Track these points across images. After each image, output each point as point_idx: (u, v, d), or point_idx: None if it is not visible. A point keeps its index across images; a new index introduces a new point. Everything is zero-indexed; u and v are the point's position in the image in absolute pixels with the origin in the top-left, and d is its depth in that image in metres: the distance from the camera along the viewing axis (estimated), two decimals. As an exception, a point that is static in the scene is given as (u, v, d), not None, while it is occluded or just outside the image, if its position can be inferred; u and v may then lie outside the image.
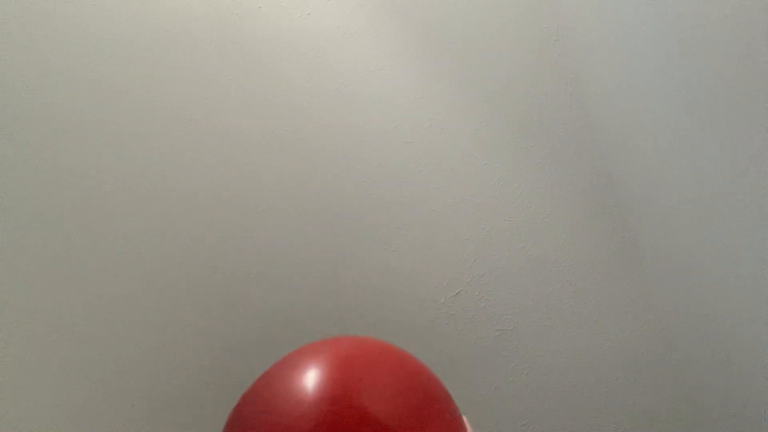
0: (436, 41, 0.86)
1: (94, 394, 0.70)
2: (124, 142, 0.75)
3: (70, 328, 0.70)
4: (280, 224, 0.79)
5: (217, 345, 0.75)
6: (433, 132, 0.85)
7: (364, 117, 0.83)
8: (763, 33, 0.57)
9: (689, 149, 0.73)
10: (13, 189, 0.70)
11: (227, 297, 0.76)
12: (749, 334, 0.72)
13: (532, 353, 0.85)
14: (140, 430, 0.71)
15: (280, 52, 0.81)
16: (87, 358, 0.70)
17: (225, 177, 0.78)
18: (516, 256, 0.86)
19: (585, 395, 0.85)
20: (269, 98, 0.80)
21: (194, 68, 0.78)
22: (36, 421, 0.68)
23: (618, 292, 0.88)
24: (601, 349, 0.87)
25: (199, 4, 0.79)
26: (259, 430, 0.45)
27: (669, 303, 0.87)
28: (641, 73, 0.77)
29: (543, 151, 0.88)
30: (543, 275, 0.86)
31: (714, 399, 0.82)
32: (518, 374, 0.84)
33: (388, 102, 0.84)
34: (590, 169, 0.89)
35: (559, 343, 0.86)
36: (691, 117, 0.70)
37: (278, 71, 0.81)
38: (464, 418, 0.53)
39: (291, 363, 0.50)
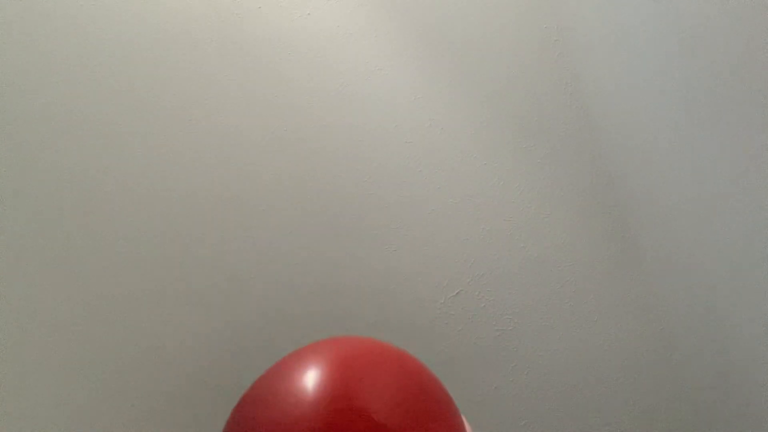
0: (436, 41, 0.86)
1: (94, 394, 0.70)
2: (124, 142, 0.75)
3: (70, 328, 0.70)
4: (280, 224, 0.79)
5: (217, 345, 0.75)
6: (433, 132, 0.85)
7: (364, 117, 0.83)
8: (763, 33, 0.57)
9: (689, 149, 0.73)
10: (12, 189, 0.70)
11: (227, 297, 0.76)
12: (749, 334, 0.72)
13: (532, 353, 0.85)
14: (140, 430, 0.71)
15: (280, 52, 0.81)
16: (87, 358, 0.70)
17: (225, 177, 0.77)
18: (516, 256, 0.86)
19: (585, 395, 0.85)
20: (269, 98, 0.80)
21: (194, 68, 0.78)
22: (36, 421, 0.68)
23: (618, 292, 0.88)
24: (601, 349, 0.87)
25: (199, 4, 0.79)
26: (259, 430, 0.45)
27: (669, 303, 0.87)
28: (641, 73, 0.77)
29: (543, 151, 0.88)
30: (543, 275, 0.86)
31: (714, 399, 0.82)
32: (518, 374, 0.84)
33: (388, 102, 0.84)
34: (590, 169, 0.89)
35: (559, 343, 0.86)
36: (691, 117, 0.70)
37: (278, 71, 0.81)
38: (464, 418, 0.53)
39: (291, 363, 0.50)
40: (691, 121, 0.70)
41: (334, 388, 0.45)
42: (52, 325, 0.70)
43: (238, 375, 0.73)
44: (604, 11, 0.81)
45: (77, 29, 0.74)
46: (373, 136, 0.83)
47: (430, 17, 0.86)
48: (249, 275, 0.77)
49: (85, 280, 0.71)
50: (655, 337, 0.88)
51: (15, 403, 0.67)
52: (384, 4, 0.85)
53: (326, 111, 0.82)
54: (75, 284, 0.71)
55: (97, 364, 0.70)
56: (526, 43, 0.89)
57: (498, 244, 0.85)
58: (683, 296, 0.83)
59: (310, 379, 0.46)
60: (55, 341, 0.70)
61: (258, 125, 0.79)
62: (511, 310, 0.85)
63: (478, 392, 0.82)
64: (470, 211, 0.85)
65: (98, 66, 0.74)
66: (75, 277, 0.71)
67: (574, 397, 0.85)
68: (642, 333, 0.88)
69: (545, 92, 0.89)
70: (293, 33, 0.82)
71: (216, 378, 0.74)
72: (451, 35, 0.87)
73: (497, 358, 0.84)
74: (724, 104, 0.65)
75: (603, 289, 0.88)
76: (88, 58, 0.74)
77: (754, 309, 0.70)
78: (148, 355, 0.72)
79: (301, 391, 0.45)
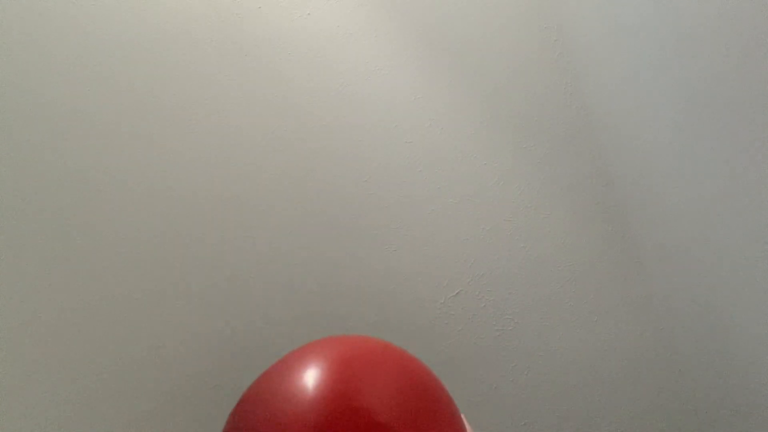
0: (436, 41, 0.86)
1: (94, 394, 0.70)
2: (124, 142, 0.75)
3: (70, 328, 0.70)
4: (280, 224, 0.79)
5: (217, 345, 0.75)
6: (433, 132, 0.85)
7: (364, 117, 0.83)
8: (763, 33, 0.57)
9: (689, 149, 0.73)
10: (12, 189, 0.70)
11: (227, 297, 0.76)
12: (749, 333, 0.72)
13: (532, 353, 0.85)
14: (140, 430, 0.71)
15: (280, 52, 0.81)
16: (87, 358, 0.70)
17: (225, 177, 0.77)
18: (516, 256, 0.86)
19: (585, 395, 0.85)
20: (269, 98, 0.80)
21: (194, 68, 0.78)
22: (36, 421, 0.68)
23: (618, 292, 0.88)
24: (601, 349, 0.87)
25: (199, 4, 0.79)
26: (259, 429, 0.45)
27: (669, 303, 0.87)
28: (641, 72, 0.77)
29: (543, 151, 0.88)
30: (543, 275, 0.86)
31: (714, 399, 0.82)
32: (518, 374, 0.84)
33: (388, 102, 0.84)
34: (590, 169, 0.89)
35: (559, 343, 0.86)
36: (691, 117, 0.70)
37: (278, 71, 0.81)
38: (464, 418, 0.53)
39: (291, 362, 0.50)
40: (691, 121, 0.70)
41: (335, 387, 0.45)
42: (52, 325, 0.70)
43: (238, 375, 0.73)
44: (604, 11, 0.81)
45: (77, 29, 0.74)
46: (373, 136, 0.83)
47: (430, 17, 0.87)
48: (249, 275, 0.77)
49: (85, 280, 0.71)
50: (655, 337, 0.88)
51: (15, 403, 0.67)
52: (384, 4, 0.85)
53: (326, 111, 0.82)
54: (75, 284, 0.71)
55: (97, 364, 0.70)
56: (526, 43, 0.89)
57: (498, 244, 0.85)
58: (683, 296, 0.83)
59: (310, 378, 0.46)
60: (55, 341, 0.70)
61: (258, 125, 0.79)
62: (511, 310, 0.85)
63: (478, 392, 0.82)
64: (470, 211, 0.85)
65: (98, 66, 0.74)
66: (75, 277, 0.71)
67: (574, 397, 0.85)
68: (642, 333, 0.88)
69: (545, 92, 0.89)
70: (293, 33, 0.82)
71: (216, 378, 0.74)
72: (451, 35, 0.87)
73: (497, 358, 0.84)
74: (724, 104, 0.65)
75: (603, 289, 0.88)
76: (88, 58, 0.74)
77: (754, 309, 0.70)
78: (148, 355, 0.72)
79: (301, 390, 0.45)
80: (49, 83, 0.73)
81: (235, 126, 0.79)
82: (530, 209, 0.87)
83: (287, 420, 0.43)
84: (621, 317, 0.88)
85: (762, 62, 0.58)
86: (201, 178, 0.77)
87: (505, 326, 0.85)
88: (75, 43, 0.74)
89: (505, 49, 0.88)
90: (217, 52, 0.79)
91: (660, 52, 0.72)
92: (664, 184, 0.80)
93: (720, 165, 0.68)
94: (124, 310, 0.72)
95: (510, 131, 0.88)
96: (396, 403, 0.45)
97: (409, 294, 0.82)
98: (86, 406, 0.69)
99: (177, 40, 0.77)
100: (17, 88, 0.71)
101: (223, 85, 0.78)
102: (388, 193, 0.83)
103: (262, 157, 0.79)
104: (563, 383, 0.85)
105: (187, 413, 0.72)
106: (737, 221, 0.68)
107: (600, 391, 0.86)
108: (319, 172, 0.81)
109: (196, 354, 0.74)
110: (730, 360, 0.77)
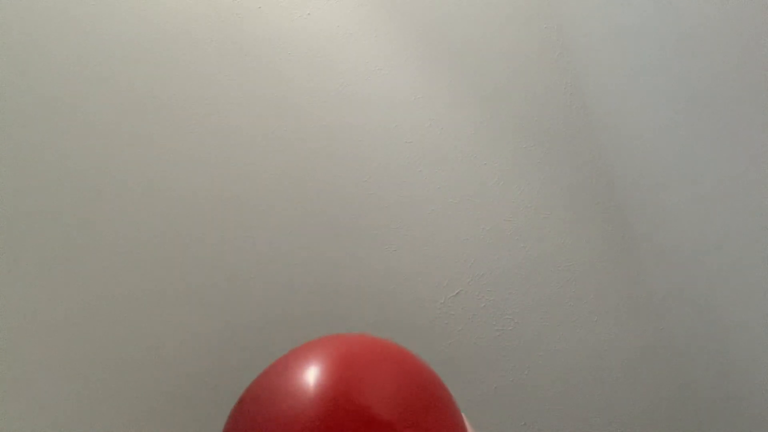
0: (436, 41, 0.86)
1: (94, 394, 0.70)
2: (123, 142, 0.75)
3: (70, 328, 0.70)
4: (280, 224, 0.79)
5: (217, 345, 0.75)
6: (433, 132, 0.85)
7: (364, 117, 0.83)
8: (763, 33, 0.57)
9: (689, 149, 0.73)
10: (12, 189, 0.70)
11: (227, 297, 0.76)
12: (749, 333, 0.72)
13: (532, 353, 0.85)
14: (140, 430, 0.71)
15: (280, 52, 0.81)
16: (87, 358, 0.70)
17: (225, 177, 0.77)
18: (516, 256, 0.86)
19: (585, 395, 0.85)
20: (269, 98, 0.80)
21: (194, 68, 0.78)
22: (36, 421, 0.67)
23: (618, 292, 0.88)
24: (601, 349, 0.87)
25: (199, 4, 0.79)
26: (259, 427, 0.45)
27: (669, 303, 0.87)
28: (641, 73, 0.77)
29: (543, 151, 0.88)
30: (543, 275, 0.86)
31: (714, 398, 0.82)
32: (518, 374, 0.84)
33: (388, 102, 0.84)
34: (590, 169, 0.89)
35: (559, 343, 0.86)
36: (691, 117, 0.70)
37: (278, 71, 0.81)
38: (465, 418, 0.53)
39: (291, 361, 0.50)
40: (691, 121, 0.70)
41: (335, 385, 0.45)
42: (52, 325, 0.70)
43: (238, 375, 0.73)
44: (604, 11, 0.81)
45: (77, 29, 0.74)
46: (373, 136, 0.83)
47: (430, 17, 0.86)
48: (249, 275, 0.77)
49: (85, 280, 0.71)
50: (655, 336, 0.88)
51: (15, 403, 0.67)
52: (384, 4, 0.85)
53: (326, 111, 0.82)
54: (75, 284, 0.71)
55: (97, 364, 0.70)
56: (526, 43, 0.89)
57: (498, 244, 0.85)
58: (683, 296, 0.83)
59: (310, 376, 0.46)
60: (55, 341, 0.70)
61: (258, 125, 0.79)
62: (511, 310, 0.85)
63: (478, 392, 0.82)
64: (470, 211, 0.85)
65: (98, 66, 0.74)
66: (75, 277, 0.71)
67: (574, 397, 0.85)
68: (642, 333, 0.88)
69: (545, 92, 0.89)
70: (293, 33, 0.82)
71: (216, 378, 0.74)
72: (451, 35, 0.87)
73: (497, 358, 0.84)
74: (723, 104, 0.65)
75: (603, 289, 0.88)
76: (88, 58, 0.74)
77: (754, 309, 0.70)
78: (148, 355, 0.72)
79: (301, 388, 0.45)
80: (49, 83, 0.73)
81: (235, 126, 0.78)
82: (530, 209, 0.87)
83: (288, 418, 0.43)
84: (621, 317, 0.88)
85: (762, 62, 0.58)
86: (201, 178, 0.77)
87: (505, 326, 0.85)
88: (75, 43, 0.74)
89: (505, 49, 0.88)
90: (217, 52, 0.79)
91: (660, 52, 0.72)
92: (664, 184, 0.80)
93: (720, 165, 0.68)
94: (124, 310, 0.72)
95: (510, 131, 0.88)
96: (397, 401, 0.45)
97: (409, 294, 0.82)
98: (86, 406, 0.69)
99: (177, 40, 0.77)
100: (17, 88, 0.71)
101: (223, 85, 0.78)
102: (388, 193, 0.83)
103: (262, 157, 0.79)
104: (563, 383, 0.85)
105: (187, 413, 0.72)
106: (737, 221, 0.68)
107: (600, 391, 0.86)
108: (319, 172, 0.81)
109: (196, 354, 0.74)
110: (730, 360, 0.77)
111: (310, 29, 0.82)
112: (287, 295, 0.78)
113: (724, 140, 0.66)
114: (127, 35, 0.76)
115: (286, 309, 0.78)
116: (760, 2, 0.57)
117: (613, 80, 0.84)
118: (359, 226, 0.81)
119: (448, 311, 0.83)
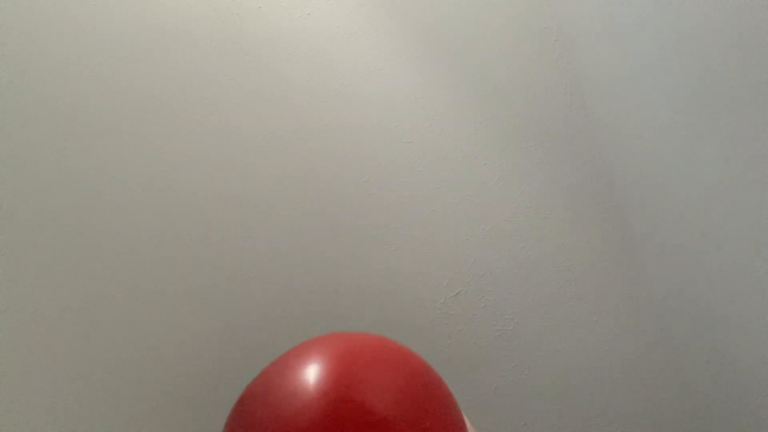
0: (436, 41, 0.86)
1: (93, 394, 0.70)
2: (123, 142, 0.75)
3: (70, 328, 0.70)
4: (280, 224, 0.79)
5: (217, 345, 0.75)
6: (433, 132, 0.85)
7: (364, 117, 0.83)
8: (763, 33, 0.57)
9: (689, 149, 0.73)
10: (12, 189, 0.70)
11: (227, 297, 0.76)
12: (749, 334, 0.72)
13: (532, 353, 0.85)
14: (140, 430, 0.71)
15: (280, 52, 0.81)
16: (87, 358, 0.70)
17: (225, 177, 0.77)
18: (516, 256, 0.86)
19: (585, 395, 0.85)
20: (269, 98, 0.80)
21: (194, 68, 0.78)
22: (36, 421, 0.67)
23: (618, 292, 0.88)
24: (601, 349, 0.87)
25: (199, 4, 0.79)
26: (259, 425, 0.45)
27: (669, 303, 0.87)
28: (641, 72, 0.77)
29: (543, 151, 0.88)
30: (543, 275, 0.86)
31: (714, 399, 0.82)
32: (518, 374, 0.84)
33: (388, 102, 0.84)
34: (590, 169, 0.90)
35: (559, 343, 0.86)
36: (691, 117, 0.70)
37: (278, 71, 0.81)
38: (465, 418, 0.53)
39: (291, 359, 0.50)
40: (691, 121, 0.70)
41: (335, 384, 0.45)
42: (52, 325, 0.70)
43: (238, 375, 0.73)
44: (604, 12, 0.81)
45: (77, 29, 0.74)
46: (373, 136, 0.83)
47: (430, 17, 0.86)
48: (249, 275, 0.77)
49: (85, 280, 0.71)
50: (655, 336, 0.88)
51: (15, 403, 0.67)
52: (384, 4, 0.85)
53: (326, 111, 0.82)
54: (75, 284, 0.71)
55: (97, 364, 0.70)
56: (526, 43, 0.89)
57: (498, 244, 0.85)
58: (683, 296, 0.83)
59: (311, 375, 0.46)
60: (55, 341, 0.70)
61: (258, 125, 0.79)
62: (511, 310, 0.85)
63: (478, 392, 0.82)
64: (470, 211, 0.85)
65: (98, 66, 0.74)
66: (75, 277, 0.71)
67: (574, 397, 0.85)
68: (642, 333, 0.88)
69: (545, 92, 0.89)
70: (293, 33, 0.82)
71: (216, 378, 0.74)
72: (451, 35, 0.87)
73: (497, 358, 0.84)
74: (724, 104, 0.65)
75: (603, 289, 0.88)
76: (88, 58, 0.74)
77: (754, 309, 0.70)
78: (148, 355, 0.72)
79: (302, 386, 0.45)
80: (49, 83, 0.73)
81: (235, 126, 0.78)
82: (530, 209, 0.87)
83: (288, 417, 0.43)
84: (621, 317, 0.88)
85: (762, 62, 0.58)
86: (201, 178, 0.77)
87: (505, 326, 0.85)
88: (75, 43, 0.74)
89: (505, 49, 0.88)
90: (217, 52, 0.79)
91: (660, 52, 0.72)
92: (664, 184, 0.80)
93: (720, 165, 0.68)
94: (124, 310, 0.72)
95: (510, 131, 0.88)
96: (397, 399, 0.45)
97: (409, 294, 0.82)
98: (86, 406, 0.69)
99: (177, 40, 0.77)
100: (17, 88, 0.71)
101: (223, 85, 0.78)
102: (388, 193, 0.83)
103: (262, 157, 0.79)
104: (563, 383, 0.85)
105: (187, 413, 0.72)
106: (737, 221, 0.68)
107: (600, 391, 0.86)
108: (319, 172, 0.81)
109: (196, 354, 0.74)
110: (730, 360, 0.77)
111: (310, 29, 0.82)
112: (287, 295, 0.78)
113: (724, 140, 0.66)
114: (127, 35, 0.76)
115: (286, 309, 0.78)
116: (760, 2, 0.57)
117: (613, 80, 0.84)
118: (359, 226, 0.81)
119: (448, 311, 0.83)
